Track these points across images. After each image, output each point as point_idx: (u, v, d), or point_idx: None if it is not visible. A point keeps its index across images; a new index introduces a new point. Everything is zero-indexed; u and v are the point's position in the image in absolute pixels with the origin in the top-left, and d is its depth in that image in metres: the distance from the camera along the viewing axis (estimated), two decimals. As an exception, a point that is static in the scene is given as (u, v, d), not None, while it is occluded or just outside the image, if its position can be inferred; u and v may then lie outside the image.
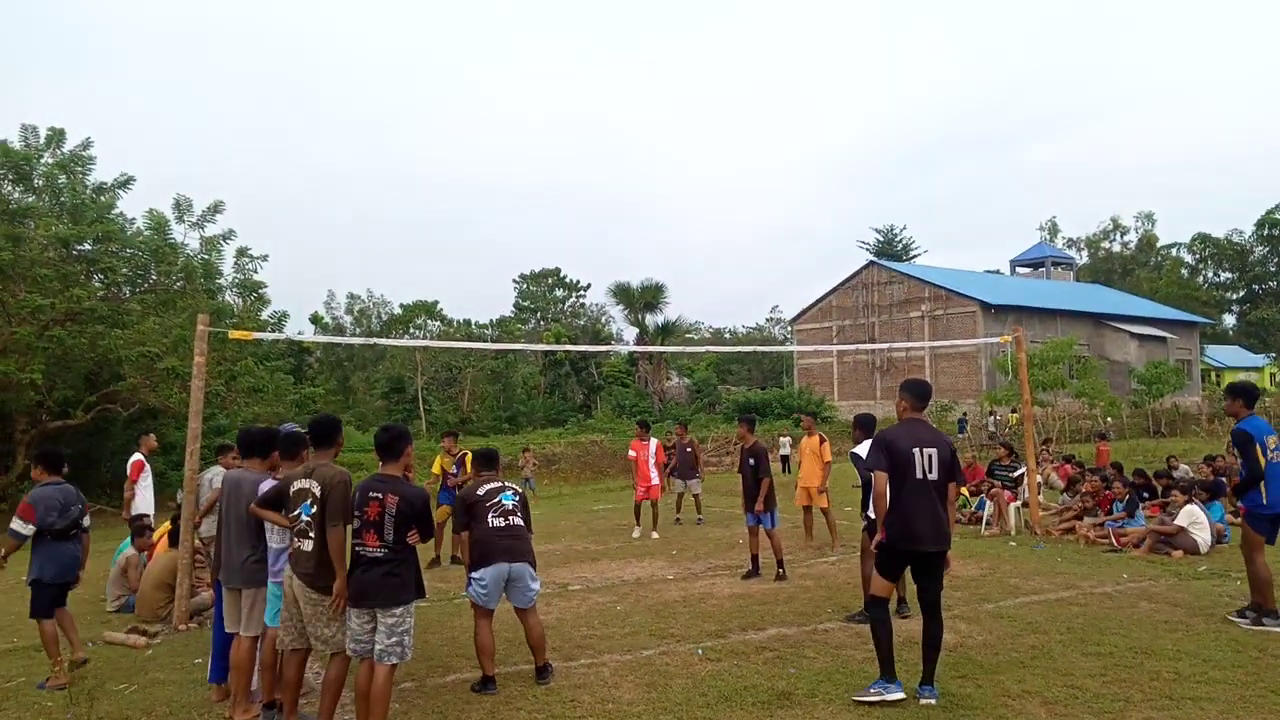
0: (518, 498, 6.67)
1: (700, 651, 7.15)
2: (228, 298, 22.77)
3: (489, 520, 6.45)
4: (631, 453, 14.99)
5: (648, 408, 49.15)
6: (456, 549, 11.71)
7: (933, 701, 5.71)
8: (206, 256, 22.06)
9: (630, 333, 54.72)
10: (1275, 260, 47.24)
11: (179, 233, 21.93)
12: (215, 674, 6.40)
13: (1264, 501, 7.37)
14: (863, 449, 8.38)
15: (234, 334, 9.84)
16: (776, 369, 70.45)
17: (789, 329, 59.59)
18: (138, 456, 11.63)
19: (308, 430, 5.78)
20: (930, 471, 5.86)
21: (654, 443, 14.81)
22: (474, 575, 6.41)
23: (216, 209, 22.12)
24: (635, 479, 14.92)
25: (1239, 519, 12.94)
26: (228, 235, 22.37)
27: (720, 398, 54.21)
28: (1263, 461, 7.32)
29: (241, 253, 22.79)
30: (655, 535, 14.28)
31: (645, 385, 52.51)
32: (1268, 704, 5.52)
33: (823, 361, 51.95)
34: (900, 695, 5.70)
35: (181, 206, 21.80)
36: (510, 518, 6.52)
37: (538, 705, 5.93)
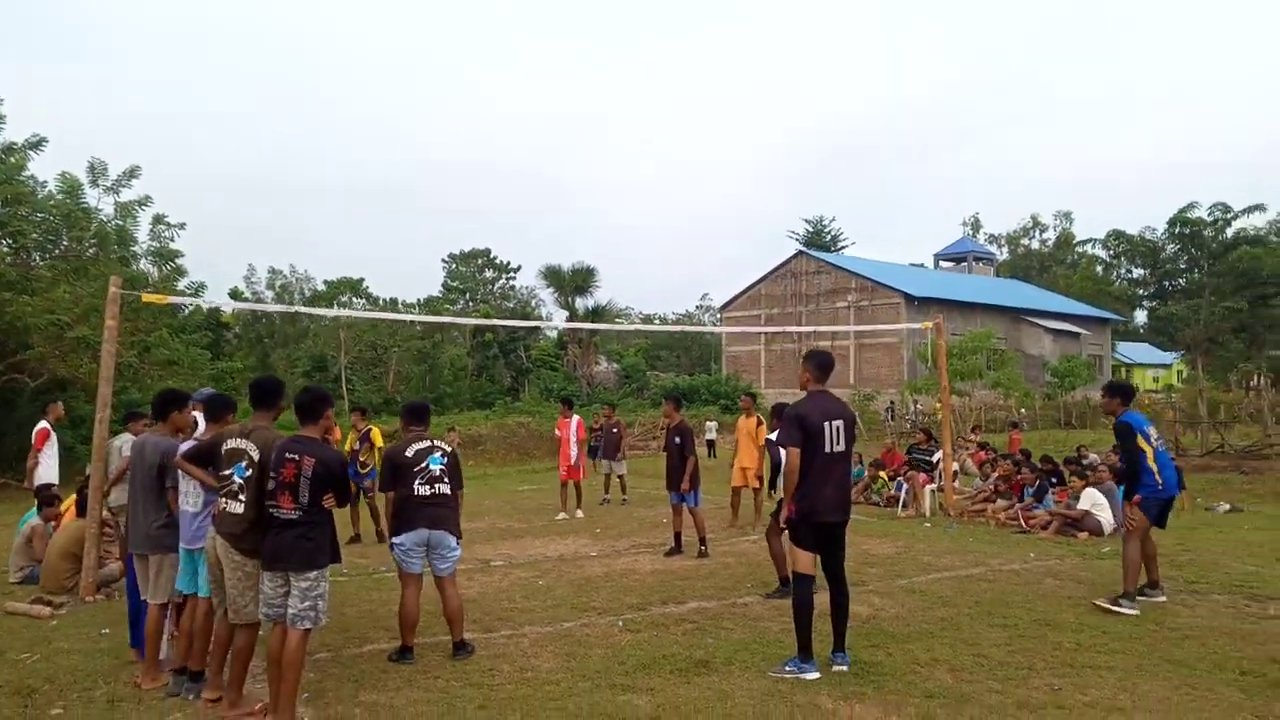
0: (446, 460, 6.49)
1: (620, 624, 7.21)
2: (143, 266, 22.00)
3: (414, 486, 6.33)
4: (558, 431, 14.97)
5: (576, 391, 49.07)
6: (356, 528, 11.62)
7: (845, 668, 5.85)
8: (121, 223, 21.28)
9: (560, 316, 54.47)
10: (1185, 258, 49.05)
11: (93, 198, 21.18)
12: (135, 639, 6.27)
13: (1159, 484, 7.70)
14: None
15: (147, 298, 9.55)
16: (705, 356, 70.92)
17: (718, 316, 60.01)
18: (43, 425, 11.25)
19: (249, 390, 5.64)
20: (838, 444, 5.94)
21: (576, 419, 14.77)
22: (395, 540, 6.34)
23: (132, 174, 21.36)
24: (559, 459, 14.90)
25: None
26: (143, 201, 21.63)
27: (649, 383, 54.37)
28: (1149, 450, 7.68)
29: (158, 220, 22.07)
30: (580, 514, 14.30)
31: (574, 369, 52.39)
32: (1162, 672, 5.77)
33: (750, 349, 52.46)
34: (815, 675, 5.73)
35: (96, 170, 21.01)
36: (436, 485, 6.39)
37: (455, 674, 5.92)
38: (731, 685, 5.58)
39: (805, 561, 5.95)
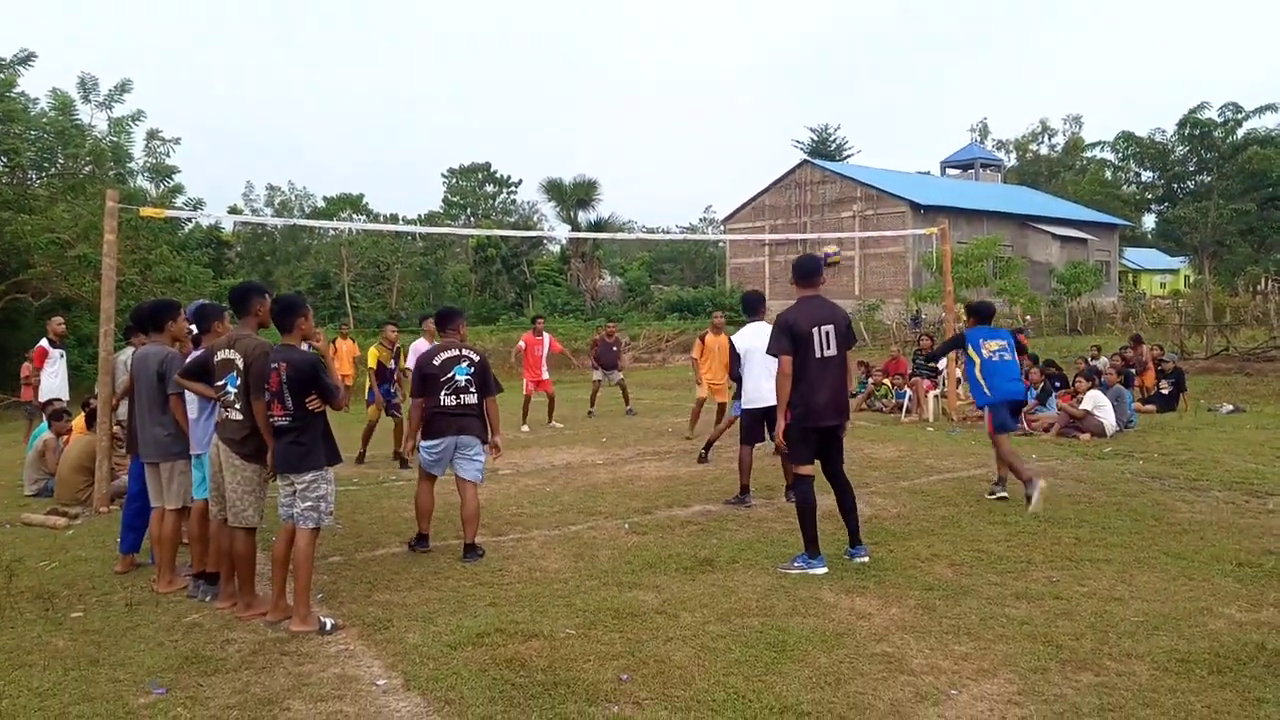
0: (473, 370, 6.57)
1: (627, 526, 7.33)
2: (139, 183, 21.79)
3: (441, 397, 6.49)
4: (521, 343, 14.81)
5: (580, 305, 49.04)
6: (398, 444, 11.56)
7: (866, 559, 5.99)
8: (115, 139, 20.99)
9: (563, 230, 54.09)
10: (1194, 160, 48.18)
11: (85, 114, 20.84)
12: (124, 545, 6.43)
13: (987, 394, 8.17)
14: (745, 334, 8.35)
15: (145, 211, 9.47)
16: (709, 269, 70.59)
17: (722, 228, 59.48)
18: (42, 343, 11.37)
19: (228, 298, 5.67)
20: (829, 348, 5.96)
21: (548, 338, 14.72)
22: (424, 444, 6.57)
23: (124, 88, 20.96)
24: (526, 372, 14.68)
25: (1146, 406, 13.59)
26: (137, 116, 21.26)
27: (652, 296, 54.26)
28: (978, 360, 8.18)
29: (153, 135, 21.77)
30: (559, 425, 14.42)
31: (577, 284, 52.24)
32: (1159, 564, 5.87)
33: (755, 260, 52.15)
34: (824, 570, 5.82)
35: (87, 85, 20.63)
36: (462, 395, 6.52)
37: (465, 574, 6.04)
38: (735, 581, 5.70)
39: (803, 466, 6.05)
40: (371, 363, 11.45)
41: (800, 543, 6.02)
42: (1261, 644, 4.40)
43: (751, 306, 8.78)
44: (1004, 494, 8.03)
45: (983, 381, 8.15)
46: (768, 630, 4.76)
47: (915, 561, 6.05)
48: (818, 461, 6.15)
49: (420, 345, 10.35)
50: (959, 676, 4.15)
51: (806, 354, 5.90)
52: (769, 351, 6.13)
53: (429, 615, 5.18)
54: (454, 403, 6.51)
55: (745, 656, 4.42)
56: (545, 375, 14.55)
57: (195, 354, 5.82)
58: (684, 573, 5.93)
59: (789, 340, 5.90)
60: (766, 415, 7.74)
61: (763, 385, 7.80)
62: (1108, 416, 11.43)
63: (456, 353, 6.61)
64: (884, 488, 8.62)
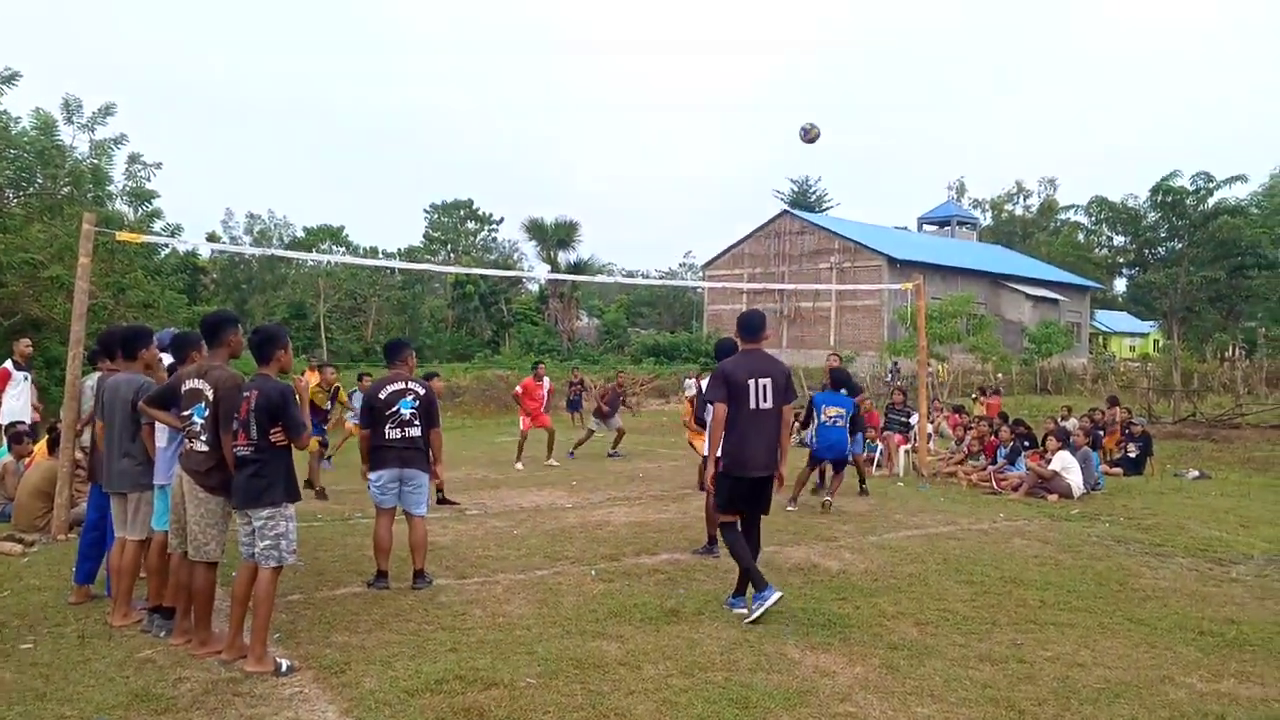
0: (417, 403, 6.84)
1: (593, 573, 7.26)
2: (118, 206, 21.57)
3: (385, 430, 6.76)
4: (519, 389, 15.34)
5: (556, 345, 48.97)
6: (310, 475, 11.48)
7: (744, 611, 6.01)
8: (96, 161, 20.83)
9: (541, 270, 54.16)
10: (1166, 227, 49.08)
11: (67, 135, 20.69)
12: (79, 575, 6.31)
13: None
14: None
15: (122, 236, 9.44)
16: (687, 314, 70.84)
17: (701, 274, 59.87)
18: (6, 364, 11.22)
19: (200, 327, 5.61)
20: (764, 400, 6.10)
21: (548, 383, 15.40)
22: (371, 476, 6.82)
23: (108, 111, 20.83)
24: (523, 413, 15.13)
25: (1113, 469, 13.71)
26: (119, 140, 21.11)
27: (630, 340, 54.34)
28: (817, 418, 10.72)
29: (134, 159, 21.55)
30: (554, 463, 14.87)
31: (555, 323, 52.22)
32: (1123, 630, 5.89)
33: (732, 308, 52.39)
34: (779, 595, 5.94)
35: (70, 107, 20.48)
36: (406, 429, 6.79)
37: (428, 618, 5.95)
38: (700, 634, 5.65)
39: (728, 515, 6.21)
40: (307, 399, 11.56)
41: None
42: (1221, 715, 4.41)
43: (726, 352, 8.78)
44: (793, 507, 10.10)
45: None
46: (731, 686, 4.72)
47: (881, 619, 6.03)
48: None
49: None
50: (921, 740, 4.12)
51: (741, 405, 6.06)
52: (705, 398, 6.43)
53: (388, 659, 5.09)
54: (398, 436, 6.74)
55: (707, 713, 4.37)
56: (544, 411, 15.09)
57: (153, 384, 5.74)
58: (649, 623, 5.88)
59: (724, 390, 6.08)
60: None
61: None
62: (1075, 478, 11.51)
63: (402, 386, 6.84)
64: (852, 542, 8.62)
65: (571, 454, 16.15)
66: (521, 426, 15.12)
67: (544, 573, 7.30)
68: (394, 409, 6.74)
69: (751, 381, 6.09)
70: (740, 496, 6.17)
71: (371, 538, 6.96)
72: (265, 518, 5.03)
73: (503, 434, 22.34)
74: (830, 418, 10.54)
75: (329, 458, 14.64)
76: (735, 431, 6.07)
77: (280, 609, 5.96)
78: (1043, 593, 6.78)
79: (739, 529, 6.21)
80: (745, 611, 6.04)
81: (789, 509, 10.29)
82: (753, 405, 6.07)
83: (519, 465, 14.54)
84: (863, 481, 11.92)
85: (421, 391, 6.89)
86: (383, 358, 7.34)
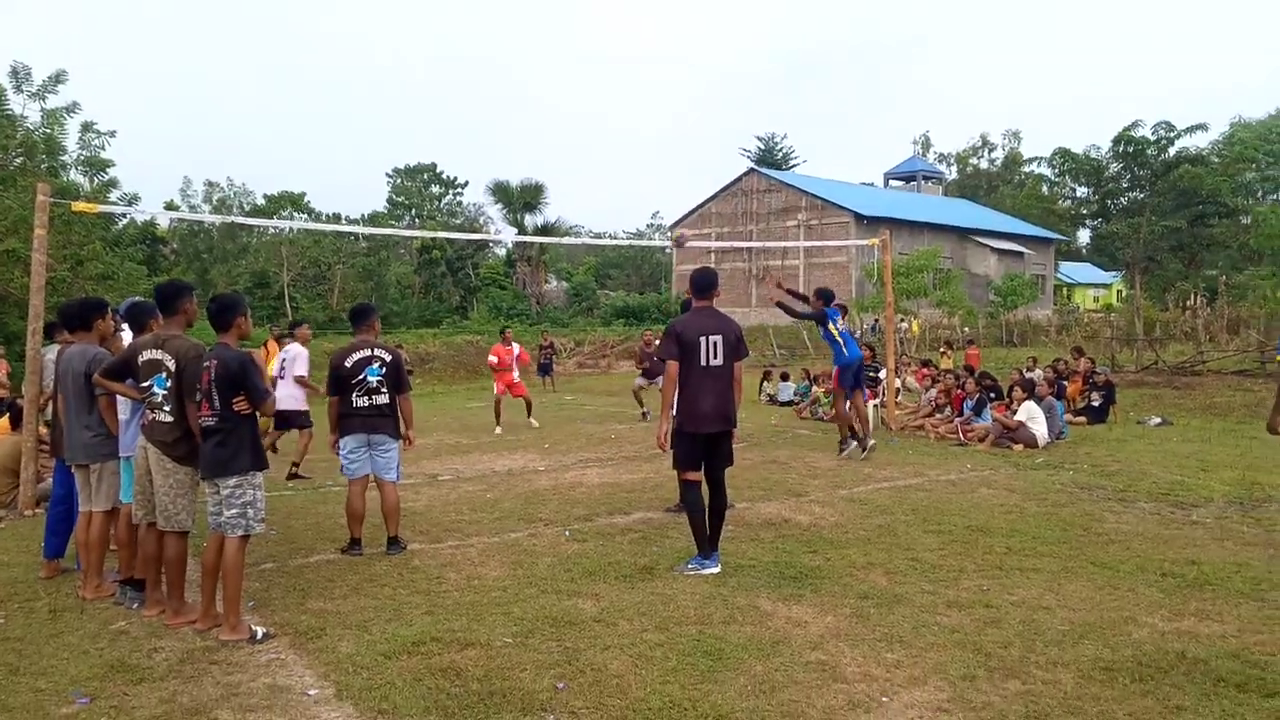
0: (384, 370, 6.78)
1: (567, 533, 7.31)
2: (73, 176, 21.16)
3: (353, 397, 6.74)
4: (493, 358, 15.21)
5: (525, 309, 48.86)
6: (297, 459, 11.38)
7: (716, 569, 6.08)
8: (48, 131, 20.38)
9: (509, 234, 53.82)
10: (1128, 177, 49.53)
11: (17, 104, 20.21)
12: (48, 549, 6.27)
13: (844, 354, 11.16)
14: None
15: (77, 206, 9.23)
16: (656, 275, 70.84)
17: (669, 234, 59.74)
18: None
19: (154, 296, 5.54)
20: (715, 357, 6.16)
21: (517, 347, 15.28)
22: (341, 444, 6.81)
23: (59, 79, 20.36)
24: (497, 378, 15.21)
25: (1077, 418, 13.93)
26: (71, 108, 20.66)
27: (598, 302, 54.28)
28: (836, 331, 11.21)
29: (87, 127, 21.11)
30: (534, 423, 14.98)
31: (523, 287, 52.06)
32: (1086, 573, 6.01)
33: (700, 268, 52.45)
34: (717, 569, 6.05)
35: (19, 75, 20.02)
36: (373, 396, 6.78)
37: (403, 582, 5.97)
38: (674, 590, 5.71)
39: (690, 472, 6.24)
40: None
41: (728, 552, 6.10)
42: (1182, 652, 4.53)
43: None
44: (854, 447, 10.90)
45: (842, 344, 11.16)
46: (704, 639, 4.78)
47: (851, 570, 6.12)
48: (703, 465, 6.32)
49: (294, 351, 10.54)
50: (890, 684, 4.21)
51: (692, 362, 6.12)
52: (658, 356, 6.45)
53: (363, 623, 5.11)
54: (366, 403, 6.73)
55: (682, 665, 4.43)
56: (516, 379, 15.12)
57: (109, 355, 5.67)
58: (623, 581, 5.93)
59: (675, 347, 6.14)
60: None
61: None
62: (1040, 428, 11.69)
63: (369, 353, 6.79)
64: (822, 496, 8.72)
65: (645, 413, 16.03)
66: (495, 391, 15.20)
67: (518, 535, 7.33)
68: (360, 376, 6.71)
69: (702, 339, 6.14)
70: (697, 452, 6.21)
71: (344, 506, 6.96)
72: (232, 486, 5.01)
73: (474, 399, 22.34)
74: (844, 328, 11.32)
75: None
76: (688, 388, 6.13)
77: (254, 577, 5.96)
78: (1009, 540, 6.91)
79: (700, 488, 6.24)
80: (716, 569, 6.11)
81: (861, 456, 10.85)
82: (704, 362, 6.13)
83: (499, 429, 14.48)
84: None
85: (388, 358, 6.83)
86: (349, 324, 7.26)
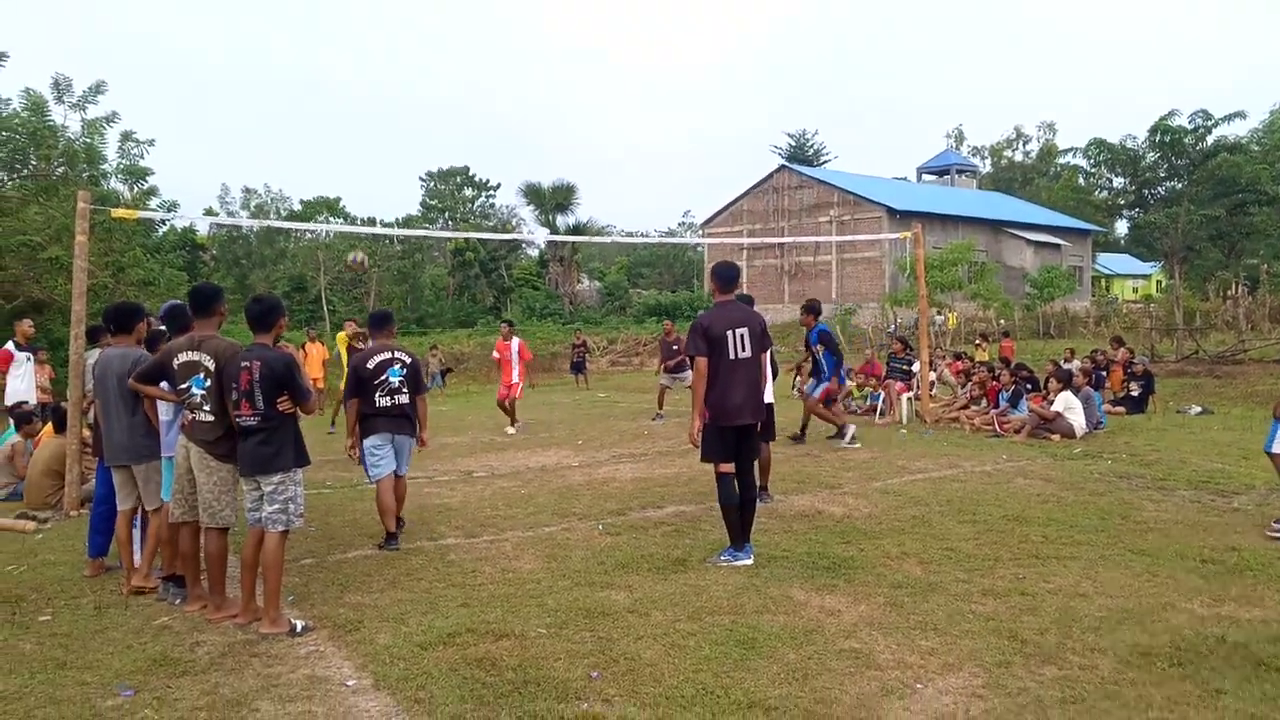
0: (405, 371, 7.06)
1: (600, 527, 7.35)
2: (113, 185, 21.53)
3: (375, 398, 6.97)
4: (495, 354, 14.52)
5: (559, 309, 49.03)
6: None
7: (749, 561, 6.09)
8: (89, 140, 20.76)
9: (541, 234, 54.05)
10: (1165, 166, 48.76)
11: (58, 114, 20.61)
12: (92, 549, 6.38)
13: (825, 375, 11.32)
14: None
15: (117, 213, 9.42)
16: (688, 273, 70.74)
17: (700, 232, 59.63)
18: (8, 345, 11.31)
19: (188, 299, 5.64)
20: (743, 350, 6.15)
21: (517, 342, 14.21)
22: (366, 443, 7.02)
23: (98, 89, 20.74)
24: (502, 379, 14.41)
25: (1116, 407, 13.75)
26: (111, 118, 21.03)
27: (631, 301, 54.32)
28: (818, 352, 11.28)
29: (126, 137, 21.48)
30: (511, 431, 13.97)
31: (556, 287, 52.22)
32: (1124, 561, 5.95)
33: (722, 261, 52.20)
34: (750, 561, 6.05)
35: (60, 86, 20.40)
36: (395, 396, 7.02)
37: (439, 576, 6.04)
38: (707, 581, 5.73)
39: (722, 464, 6.22)
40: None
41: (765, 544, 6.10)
42: (1222, 637, 4.48)
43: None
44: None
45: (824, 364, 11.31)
46: (738, 628, 4.80)
47: (885, 560, 6.10)
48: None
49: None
50: (925, 671, 4.20)
51: (721, 356, 6.11)
52: (685, 353, 6.44)
53: (400, 616, 5.18)
54: (389, 403, 6.98)
55: (715, 654, 4.45)
56: (515, 379, 14.12)
57: (149, 357, 5.77)
58: (656, 573, 5.96)
59: (704, 342, 6.12)
60: None
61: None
62: (1078, 418, 11.56)
63: (390, 355, 7.05)
64: (856, 488, 8.69)
65: (660, 415, 15.39)
66: (498, 394, 14.45)
67: (552, 529, 7.38)
68: (383, 377, 6.96)
69: (730, 332, 6.13)
70: (728, 445, 6.19)
71: (375, 503, 7.09)
72: (275, 483, 5.10)
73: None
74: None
75: (333, 422, 14.62)
76: (718, 382, 6.11)
77: (293, 573, 6.05)
78: (1045, 529, 6.85)
79: (733, 481, 6.21)
80: (749, 561, 6.12)
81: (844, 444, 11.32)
82: (732, 355, 6.12)
83: (510, 429, 13.98)
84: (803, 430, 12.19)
85: (409, 360, 7.14)
86: (374, 328, 7.50)
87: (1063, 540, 6.51)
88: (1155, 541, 6.43)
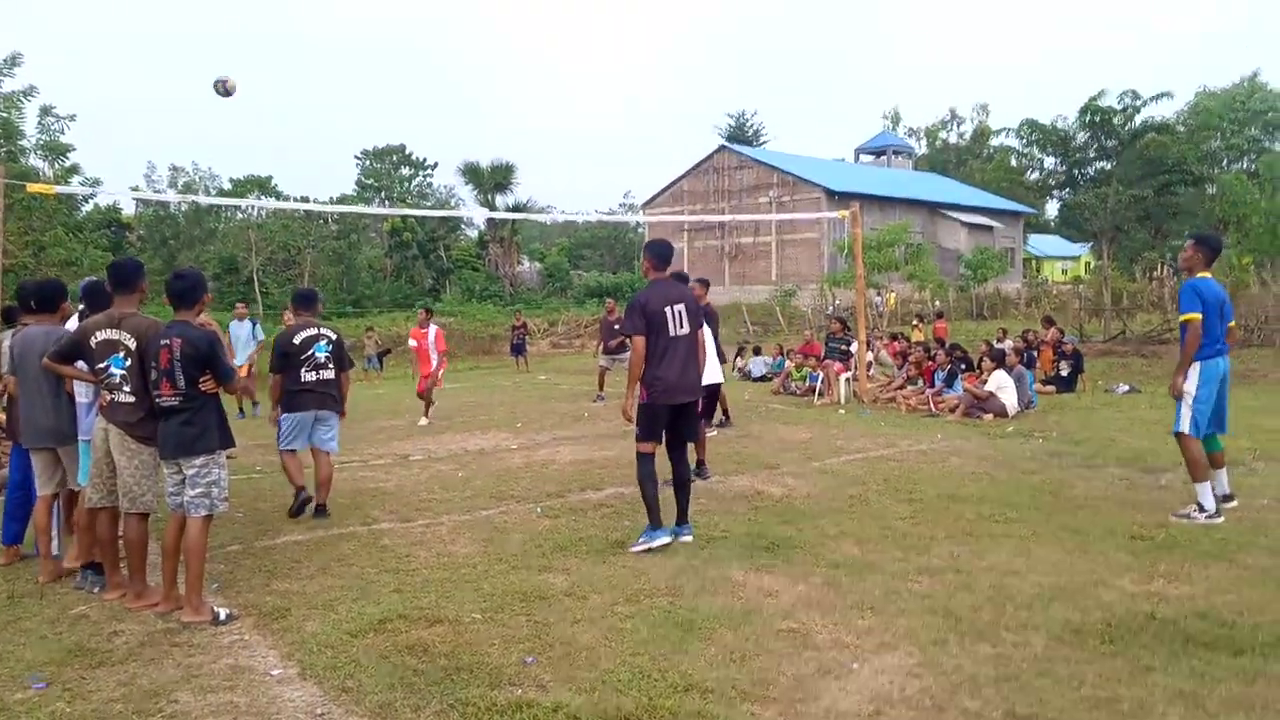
0: (330, 347, 7.25)
1: (539, 510, 7.26)
2: (32, 161, 20.73)
3: (301, 373, 7.16)
4: (412, 341, 13.63)
5: (499, 291, 48.57)
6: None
7: (689, 539, 6.12)
8: (6, 115, 19.94)
9: (481, 212, 53.46)
10: (1095, 146, 49.75)
11: (-29, 90, 19.77)
12: (6, 536, 6.13)
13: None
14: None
15: (33, 187, 9.08)
16: (629, 254, 70.61)
17: (641, 213, 59.49)
18: None
19: (107, 273, 5.40)
20: (681, 326, 6.12)
21: (434, 329, 13.25)
22: (283, 417, 7.25)
23: (14, 61, 19.85)
24: (417, 367, 13.66)
25: (1046, 386, 14.01)
26: (29, 92, 20.24)
27: (572, 283, 54.07)
28: None
29: (45, 112, 20.67)
30: (425, 422, 13.13)
31: (496, 269, 51.73)
32: (1056, 538, 6.04)
33: (657, 239, 52.22)
34: (667, 540, 6.02)
35: (-27, 59, 19.58)
36: (321, 371, 7.22)
37: (372, 561, 5.90)
38: (645, 563, 5.68)
39: (648, 444, 6.15)
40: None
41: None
42: (1151, 614, 4.55)
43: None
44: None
45: None
46: (676, 610, 4.76)
47: (823, 539, 6.12)
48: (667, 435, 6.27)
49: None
50: (861, 650, 4.20)
51: (660, 333, 6.05)
52: (623, 331, 6.41)
53: (330, 603, 5.04)
54: (314, 378, 7.19)
55: (652, 636, 4.40)
56: (433, 368, 13.14)
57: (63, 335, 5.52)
58: (595, 555, 5.90)
59: (641, 320, 6.04)
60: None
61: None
62: (1010, 397, 11.76)
63: (315, 331, 7.25)
64: (795, 468, 8.72)
65: (600, 396, 15.05)
66: (418, 386, 13.54)
67: (490, 512, 7.28)
68: (309, 353, 7.16)
69: (668, 309, 6.07)
70: (665, 423, 6.15)
71: (282, 472, 7.40)
72: (198, 466, 4.91)
73: (446, 381, 22.11)
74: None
75: (255, 403, 14.30)
76: (656, 360, 6.03)
77: (219, 559, 5.88)
78: (979, 507, 6.94)
79: (654, 460, 6.15)
80: (689, 539, 6.10)
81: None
82: (671, 332, 6.07)
83: (422, 420, 13.15)
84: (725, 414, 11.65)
85: (334, 336, 7.33)
86: (299, 305, 7.65)
87: (996, 518, 6.59)
88: (1086, 519, 6.54)
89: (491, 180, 51.58)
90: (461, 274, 51.47)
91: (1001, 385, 11.80)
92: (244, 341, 14.17)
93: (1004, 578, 5.20)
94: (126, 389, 5.03)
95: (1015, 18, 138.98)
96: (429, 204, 65.62)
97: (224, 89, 8.58)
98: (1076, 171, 51.94)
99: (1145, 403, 13.02)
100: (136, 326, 5.06)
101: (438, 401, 13.85)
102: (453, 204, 64.13)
